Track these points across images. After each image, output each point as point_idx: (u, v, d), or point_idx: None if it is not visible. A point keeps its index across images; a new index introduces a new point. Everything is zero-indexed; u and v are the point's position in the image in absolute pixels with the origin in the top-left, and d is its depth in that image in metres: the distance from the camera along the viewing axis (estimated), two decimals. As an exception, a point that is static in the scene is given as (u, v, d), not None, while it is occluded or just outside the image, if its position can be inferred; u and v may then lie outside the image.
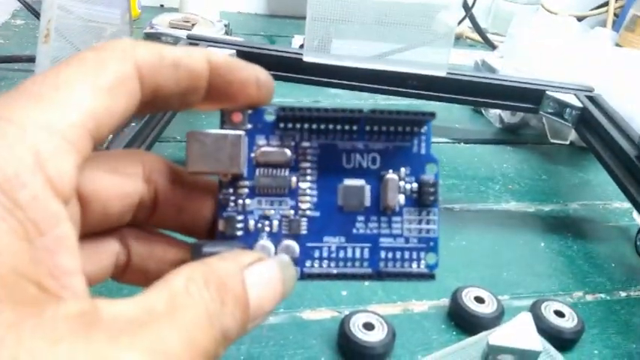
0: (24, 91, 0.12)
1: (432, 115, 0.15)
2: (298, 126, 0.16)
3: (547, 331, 0.24)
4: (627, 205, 0.35)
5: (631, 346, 0.25)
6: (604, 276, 0.29)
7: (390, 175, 0.16)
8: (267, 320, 0.24)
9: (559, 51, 0.46)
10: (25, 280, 0.10)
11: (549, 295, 0.27)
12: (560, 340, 0.24)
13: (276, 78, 0.44)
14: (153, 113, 0.14)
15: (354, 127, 0.16)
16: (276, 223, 0.16)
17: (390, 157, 0.16)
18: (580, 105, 0.38)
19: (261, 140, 0.15)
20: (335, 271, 0.16)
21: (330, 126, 0.16)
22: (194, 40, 0.39)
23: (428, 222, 0.16)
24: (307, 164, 0.16)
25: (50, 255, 0.10)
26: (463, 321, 0.25)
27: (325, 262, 0.16)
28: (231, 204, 0.15)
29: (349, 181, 0.16)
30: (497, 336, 0.21)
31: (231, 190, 0.15)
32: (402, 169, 0.16)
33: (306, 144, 0.16)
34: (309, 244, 0.16)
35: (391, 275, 0.16)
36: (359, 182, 0.16)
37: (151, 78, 0.13)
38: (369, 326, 0.23)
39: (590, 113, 0.37)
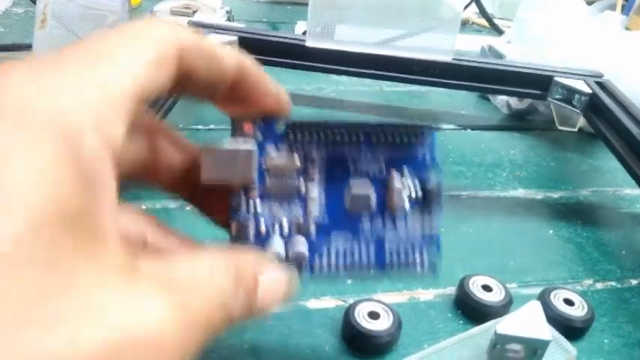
0: (76, 52, 0.12)
1: (437, 127, 0.17)
2: (307, 137, 0.16)
3: (556, 320, 0.23)
4: (638, 191, 0.35)
5: (642, 334, 0.24)
6: (614, 264, 0.29)
7: (396, 181, 0.17)
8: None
9: (568, 36, 0.45)
10: (81, 226, 0.11)
11: (558, 283, 0.27)
12: (570, 329, 0.23)
13: (279, 65, 0.43)
14: (171, 96, 0.15)
15: (361, 138, 0.17)
16: (286, 226, 0.16)
17: (396, 165, 0.17)
18: (589, 91, 0.37)
19: (271, 149, 0.16)
20: (342, 270, 0.16)
21: (338, 137, 0.17)
22: (196, 27, 0.38)
23: (431, 224, 0.17)
24: (315, 172, 0.17)
25: (99, 210, 0.11)
26: (470, 310, 0.24)
27: (334, 261, 0.16)
28: (243, 209, 0.16)
29: (357, 189, 0.16)
30: (505, 325, 0.21)
31: (242, 196, 0.16)
32: (408, 177, 0.17)
33: (314, 154, 0.17)
34: (318, 245, 0.16)
35: (395, 272, 0.17)
36: (366, 190, 0.16)
37: (187, 62, 0.14)
38: (374, 315, 0.22)
39: (599, 99, 0.36)
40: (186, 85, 0.14)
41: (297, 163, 0.16)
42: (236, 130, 0.16)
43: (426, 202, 0.17)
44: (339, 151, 0.17)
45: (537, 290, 0.26)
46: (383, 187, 0.17)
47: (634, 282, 0.27)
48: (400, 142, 0.17)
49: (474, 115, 0.44)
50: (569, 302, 0.24)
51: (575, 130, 0.42)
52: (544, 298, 0.24)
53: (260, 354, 0.21)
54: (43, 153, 0.10)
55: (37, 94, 0.11)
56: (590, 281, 0.27)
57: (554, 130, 0.42)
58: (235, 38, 0.38)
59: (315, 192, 0.17)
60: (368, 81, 0.44)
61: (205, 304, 0.12)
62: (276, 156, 0.16)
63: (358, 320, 0.22)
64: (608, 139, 0.33)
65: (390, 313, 0.23)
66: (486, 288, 0.24)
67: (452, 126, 0.42)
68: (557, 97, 0.39)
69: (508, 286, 0.26)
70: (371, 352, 0.22)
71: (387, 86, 0.47)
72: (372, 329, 0.22)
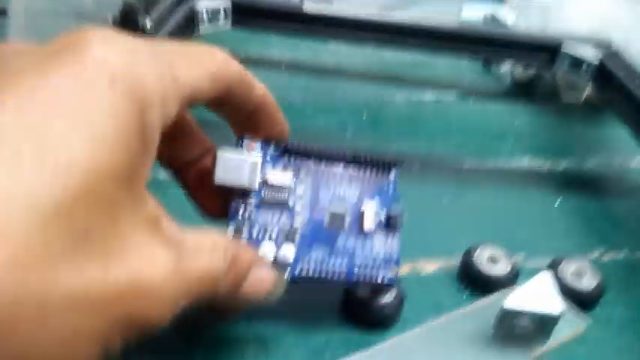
0: (171, 43, 0.16)
1: (399, 162, 0.21)
2: (298, 161, 0.20)
3: (566, 291, 0.22)
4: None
5: (654, 306, 0.23)
6: (624, 234, 0.28)
7: (368, 206, 0.20)
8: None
9: (574, 3, 0.44)
10: (131, 182, 0.13)
11: (568, 253, 0.26)
12: (580, 301, 0.22)
13: (274, 30, 0.41)
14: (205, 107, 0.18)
15: (341, 168, 0.21)
16: (275, 232, 0.20)
17: (367, 193, 0.21)
18: (597, 59, 0.35)
19: (268, 166, 0.20)
20: (318, 277, 0.19)
21: (323, 165, 0.21)
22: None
23: (392, 243, 0.20)
24: (302, 191, 0.20)
25: (145, 172, 0.14)
26: (475, 282, 0.23)
27: (312, 269, 0.19)
28: (240, 213, 0.19)
29: (334, 209, 0.20)
30: (512, 299, 0.20)
31: (241, 203, 0.19)
32: (376, 203, 0.21)
33: (303, 176, 0.20)
34: (301, 253, 0.19)
35: (361, 283, 0.20)
36: (342, 210, 0.20)
37: (231, 87, 0.17)
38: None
39: (607, 68, 0.34)
40: (220, 103, 0.18)
41: (290, 180, 0.20)
42: (241, 147, 0.20)
43: (389, 227, 0.21)
44: (324, 176, 0.21)
45: (546, 261, 0.24)
46: (357, 210, 0.20)
47: (645, 253, 0.26)
48: (371, 174, 0.21)
49: (477, 85, 0.43)
50: (579, 273, 0.23)
51: (582, 99, 0.41)
52: (553, 269, 0.23)
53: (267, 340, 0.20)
54: (119, 110, 0.12)
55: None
56: (598, 252, 0.26)
57: (560, 100, 0.41)
58: (229, 3, 0.36)
59: (301, 207, 0.20)
60: (368, 51, 0.42)
61: (200, 272, 0.15)
62: (273, 172, 0.20)
63: (360, 295, 0.21)
64: (616, 107, 0.32)
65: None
66: (492, 259, 0.23)
67: (454, 96, 0.40)
68: (564, 66, 0.37)
69: (515, 256, 0.25)
70: (372, 325, 0.21)
71: (388, 54, 0.45)
72: (374, 303, 0.21)
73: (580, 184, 0.31)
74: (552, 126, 0.38)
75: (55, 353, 0.11)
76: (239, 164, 0.19)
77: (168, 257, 0.14)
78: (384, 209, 0.21)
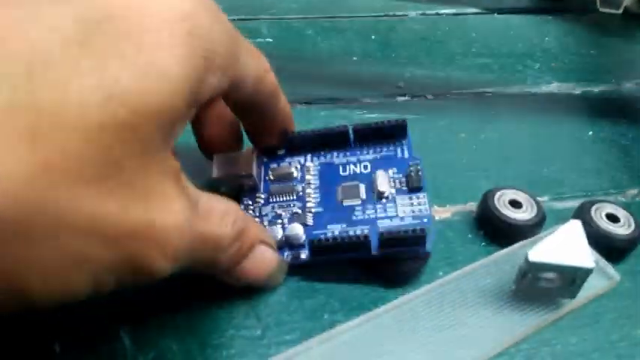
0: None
1: (405, 122, 0.20)
2: (302, 149, 0.21)
3: (597, 241, 0.20)
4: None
5: (696, 253, 0.21)
6: (665, 169, 0.24)
7: (380, 171, 0.20)
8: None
9: None
10: (172, 127, 0.13)
11: (599, 194, 0.23)
12: (613, 250, 0.20)
13: None
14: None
15: (344, 145, 0.21)
16: (286, 218, 0.19)
17: (379, 163, 0.20)
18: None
19: (273, 165, 0.21)
20: (340, 253, 0.18)
21: (327, 148, 0.21)
22: None
23: (419, 204, 0.19)
24: (311, 177, 0.20)
25: (183, 124, 0.14)
26: (494, 229, 0.20)
27: (331, 237, 0.18)
28: (250, 211, 0.20)
29: (346, 183, 0.20)
30: (538, 251, 0.17)
31: (250, 201, 0.20)
32: (390, 169, 0.20)
33: (309, 164, 0.21)
34: (316, 232, 0.19)
35: (393, 248, 0.18)
36: (354, 182, 0.20)
37: (263, 93, 0.18)
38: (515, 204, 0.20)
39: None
40: (247, 107, 0.18)
41: (295, 170, 0.20)
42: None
43: (410, 189, 0.19)
44: (329, 159, 0.21)
45: (574, 204, 0.22)
46: (370, 179, 0.20)
47: (688, 191, 0.23)
48: (381, 144, 0.21)
49: (502, -4, 0.38)
50: (612, 218, 0.20)
51: (620, 11, 0.36)
52: (583, 214, 0.20)
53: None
54: (188, 61, 0.13)
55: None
56: (635, 191, 0.23)
57: (595, 12, 0.36)
58: None
59: (311, 190, 0.20)
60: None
61: (207, 233, 0.15)
62: (277, 167, 0.21)
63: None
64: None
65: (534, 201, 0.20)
66: (514, 203, 0.21)
67: (475, 9, 0.36)
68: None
69: (540, 199, 0.22)
70: (385, 282, 0.19)
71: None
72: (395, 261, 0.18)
73: (616, 111, 0.28)
74: (586, 43, 0.33)
75: (49, 274, 0.11)
76: (235, 157, 0.20)
77: (184, 210, 0.14)
78: (402, 172, 0.20)
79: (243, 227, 0.16)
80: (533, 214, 0.20)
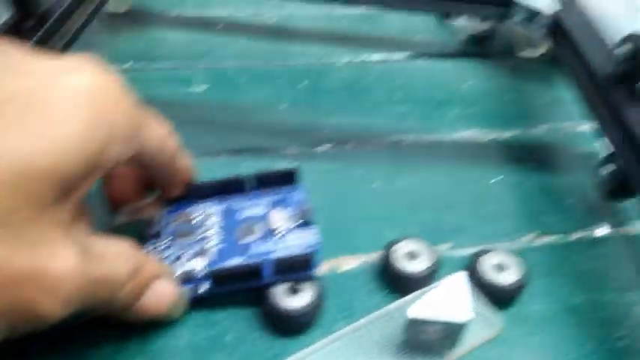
0: None
1: (295, 169, 0.23)
2: (204, 196, 0.23)
3: (485, 289, 0.21)
4: (594, 127, 0.32)
5: (577, 299, 0.23)
6: (560, 214, 0.26)
7: (273, 211, 0.22)
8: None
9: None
10: (68, 189, 0.15)
11: (498, 240, 0.25)
12: (499, 297, 0.22)
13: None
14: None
15: (242, 192, 0.23)
16: (186, 259, 0.21)
17: (273, 205, 0.23)
18: (551, 11, 0.33)
19: (177, 211, 0.23)
20: (238, 283, 0.20)
21: (226, 195, 0.23)
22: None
23: (309, 235, 0.21)
24: (211, 221, 0.22)
25: (83, 188, 0.16)
26: (393, 280, 0.22)
27: (227, 267, 0.20)
28: (153, 254, 0.21)
29: (244, 224, 0.22)
30: (418, 306, 0.19)
31: (152, 246, 0.21)
32: (283, 210, 0.22)
33: (209, 210, 0.23)
34: (214, 263, 0.21)
35: (284, 275, 0.20)
36: (251, 223, 0.22)
37: (164, 157, 0.20)
38: (294, 291, 0.20)
39: (562, 22, 0.32)
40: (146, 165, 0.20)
41: (197, 216, 0.22)
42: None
43: (301, 226, 0.22)
44: (228, 204, 0.23)
45: (473, 250, 0.24)
46: (265, 221, 0.22)
47: (578, 236, 0.25)
48: (275, 188, 0.23)
49: (430, 41, 0.40)
50: (501, 267, 0.22)
51: (537, 55, 0.38)
52: (473, 265, 0.22)
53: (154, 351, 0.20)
54: (90, 136, 0.15)
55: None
56: (531, 236, 0.25)
57: (516, 56, 0.39)
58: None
59: (212, 233, 0.22)
60: (315, 4, 0.39)
61: (100, 275, 0.16)
62: (180, 214, 0.23)
63: (277, 299, 0.20)
64: (568, 66, 0.30)
65: (312, 286, 0.21)
66: (412, 254, 0.22)
67: (403, 54, 0.38)
68: (518, 18, 0.35)
69: (441, 247, 0.24)
70: (288, 331, 0.20)
71: (337, 9, 0.42)
72: (290, 307, 0.20)
73: (523, 157, 0.30)
74: (503, 88, 0.36)
75: None
76: (139, 205, 0.22)
77: (74, 257, 0.15)
78: (294, 212, 0.22)
79: (137, 266, 0.18)
80: (427, 265, 0.22)
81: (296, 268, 0.20)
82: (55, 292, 0.14)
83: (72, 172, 0.15)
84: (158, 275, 0.19)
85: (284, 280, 0.20)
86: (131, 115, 0.17)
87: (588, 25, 0.31)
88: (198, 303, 0.20)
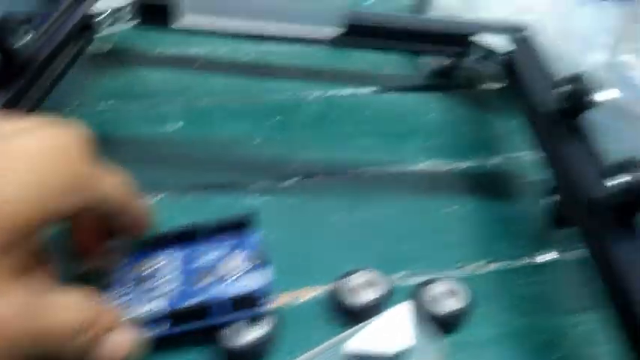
0: None
1: (251, 215, 0.25)
2: (163, 247, 0.25)
3: (431, 316, 0.23)
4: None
5: (521, 320, 0.25)
6: (508, 242, 0.28)
7: (229, 256, 0.24)
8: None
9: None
10: (16, 243, 0.17)
11: (448, 267, 0.27)
12: (444, 324, 0.23)
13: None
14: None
15: (203, 238, 0.25)
16: (147, 302, 0.23)
17: (229, 250, 0.24)
18: (506, 49, 0.35)
19: (134, 261, 0.24)
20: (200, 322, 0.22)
21: (187, 242, 0.25)
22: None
23: (262, 275, 0.23)
24: (168, 269, 0.24)
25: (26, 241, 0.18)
26: (344, 311, 0.24)
27: (186, 306, 0.22)
28: (113, 301, 0.23)
29: (200, 270, 0.24)
30: (358, 338, 0.21)
31: (113, 293, 0.23)
32: (239, 255, 0.24)
33: (171, 257, 0.24)
34: (173, 305, 0.22)
35: (235, 313, 0.22)
36: (207, 268, 0.24)
37: (115, 206, 0.21)
38: (248, 325, 0.22)
39: (514, 60, 0.34)
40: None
41: (154, 264, 0.24)
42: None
43: (256, 269, 0.23)
44: (190, 249, 0.25)
45: (424, 278, 0.25)
46: (225, 264, 0.24)
47: (522, 262, 0.27)
48: (233, 233, 0.25)
49: (396, 75, 0.42)
50: (448, 293, 0.24)
51: (498, 86, 0.41)
52: (419, 294, 0.24)
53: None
54: (44, 189, 0.17)
55: None
56: (480, 264, 0.27)
57: (477, 88, 0.41)
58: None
59: (168, 278, 0.23)
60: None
61: (51, 325, 0.17)
62: (138, 262, 0.24)
63: (230, 334, 0.22)
64: (518, 101, 0.32)
65: (269, 318, 0.22)
66: (363, 285, 0.24)
67: (369, 89, 0.40)
68: (476, 55, 0.37)
69: (395, 276, 0.26)
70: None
71: (310, 48, 0.44)
72: (243, 341, 0.22)
73: (477, 186, 0.32)
74: (464, 119, 0.38)
75: None
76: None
77: (24, 304, 0.16)
78: (250, 255, 0.24)
79: (91, 317, 0.18)
80: (376, 295, 0.24)
81: (245, 306, 0.22)
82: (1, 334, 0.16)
83: (19, 221, 0.16)
84: (114, 326, 0.20)
85: (236, 318, 0.22)
86: (80, 170, 0.19)
87: (539, 64, 0.33)
88: (159, 345, 0.22)
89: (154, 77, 0.39)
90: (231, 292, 0.22)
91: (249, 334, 0.22)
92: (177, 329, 0.22)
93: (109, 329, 0.19)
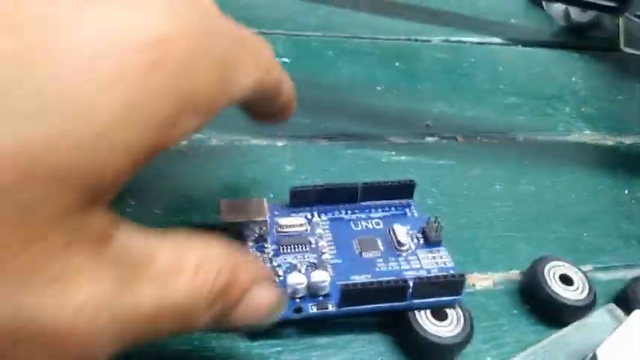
0: None
1: (413, 182, 0.20)
2: (308, 207, 0.20)
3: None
4: None
5: None
6: None
7: (397, 225, 0.19)
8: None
9: None
10: (99, 195, 0.10)
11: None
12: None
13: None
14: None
15: (354, 204, 0.20)
16: (304, 267, 0.18)
17: (390, 220, 0.20)
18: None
19: (281, 219, 0.19)
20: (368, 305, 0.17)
21: (335, 204, 0.20)
22: None
23: (441, 257, 0.19)
24: (322, 231, 0.19)
25: (117, 188, 0.10)
26: (544, 307, 0.19)
27: (364, 292, 0.16)
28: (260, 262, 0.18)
29: (361, 236, 0.19)
30: (607, 348, 0.16)
31: (258, 252, 0.18)
32: (404, 225, 0.19)
33: (317, 219, 0.20)
34: (338, 283, 0.17)
35: (428, 298, 0.17)
36: (370, 236, 0.19)
37: (264, 92, 0.14)
38: (440, 315, 0.17)
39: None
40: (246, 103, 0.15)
41: (303, 222, 0.19)
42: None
43: (428, 244, 0.19)
44: (338, 214, 0.20)
45: (616, 275, 0.21)
46: (386, 234, 0.19)
47: None
48: (388, 201, 0.20)
49: (524, 27, 0.36)
50: (664, 297, 0.19)
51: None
52: (635, 295, 0.19)
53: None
54: (148, 121, 0.10)
55: None
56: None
57: (618, 50, 0.35)
58: None
59: (325, 243, 0.19)
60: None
61: (164, 305, 0.11)
62: (286, 218, 0.19)
63: (420, 322, 0.17)
64: None
65: (459, 310, 0.17)
66: (564, 279, 0.19)
67: (499, 39, 0.34)
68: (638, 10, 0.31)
69: (584, 269, 0.21)
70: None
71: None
72: (437, 335, 0.17)
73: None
74: (613, 85, 0.32)
75: None
76: (244, 203, 0.18)
77: (99, 286, 0.10)
78: (416, 229, 0.19)
79: (229, 278, 0.12)
80: (585, 294, 0.19)
81: (443, 292, 0.17)
82: (60, 353, 0.09)
83: (105, 176, 0.10)
84: (256, 280, 0.13)
85: (425, 306, 0.17)
86: (220, 63, 0.12)
87: None
88: (320, 323, 0.17)
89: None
90: (417, 273, 0.18)
91: (441, 329, 0.17)
92: (343, 309, 0.16)
93: (250, 285, 0.13)
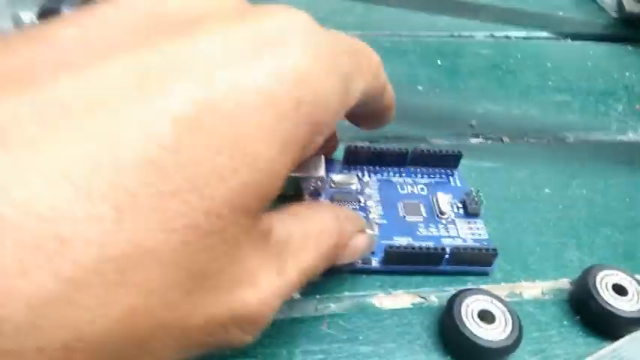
0: None
1: (460, 152, 0.21)
2: (359, 165, 0.21)
3: None
4: None
5: None
6: None
7: (440, 193, 0.20)
8: (327, 310, 0.18)
9: None
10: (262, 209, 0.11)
11: None
12: None
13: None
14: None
15: (402, 167, 0.21)
16: None
17: (435, 187, 0.21)
18: None
19: (335, 176, 0.20)
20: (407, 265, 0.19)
21: (385, 166, 0.21)
22: None
23: (478, 229, 0.20)
24: (371, 190, 0.21)
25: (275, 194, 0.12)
26: (595, 318, 0.18)
27: (404, 254, 0.18)
28: None
29: (406, 200, 0.20)
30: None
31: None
32: (447, 194, 0.21)
33: (367, 178, 0.21)
34: (383, 242, 0.19)
35: (460, 266, 0.19)
36: (414, 201, 0.20)
37: (372, 96, 0.16)
38: (487, 316, 0.17)
39: None
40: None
41: (356, 181, 0.21)
42: None
43: (468, 214, 0.20)
44: (387, 176, 0.21)
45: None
46: (429, 202, 0.20)
47: None
48: (434, 168, 0.22)
49: (573, 19, 0.35)
50: None
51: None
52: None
53: (320, 377, 0.16)
54: (292, 139, 0.11)
55: None
56: None
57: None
58: None
59: (373, 203, 0.20)
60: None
61: (296, 279, 0.13)
62: (339, 176, 0.21)
63: (467, 324, 0.16)
64: None
65: (507, 313, 0.17)
66: (617, 289, 0.18)
67: (546, 33, 0.33)
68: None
69: (638, 279, 0.20)
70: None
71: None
72: (486, 337, 0.16)
73: None
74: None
75: None
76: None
77: (270, 275, 0.12)
78: (457, 199, 0.21)
79: (340, 236, 0.15)
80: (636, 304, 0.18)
81: (474, 262, 0.19)
82: (248, 328, 0.12)
83: (266, 192, 0.11)
84: (356, 230, 0.16)
85: (457, 272, 0.19)
86: (342, 87, 0.13)
87: None
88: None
89: None
90: (453, 241, 0.19)
91: (489, 332, 0.16)
92: (385, 266, 0.18)
93: (351, 238, 0.16)
